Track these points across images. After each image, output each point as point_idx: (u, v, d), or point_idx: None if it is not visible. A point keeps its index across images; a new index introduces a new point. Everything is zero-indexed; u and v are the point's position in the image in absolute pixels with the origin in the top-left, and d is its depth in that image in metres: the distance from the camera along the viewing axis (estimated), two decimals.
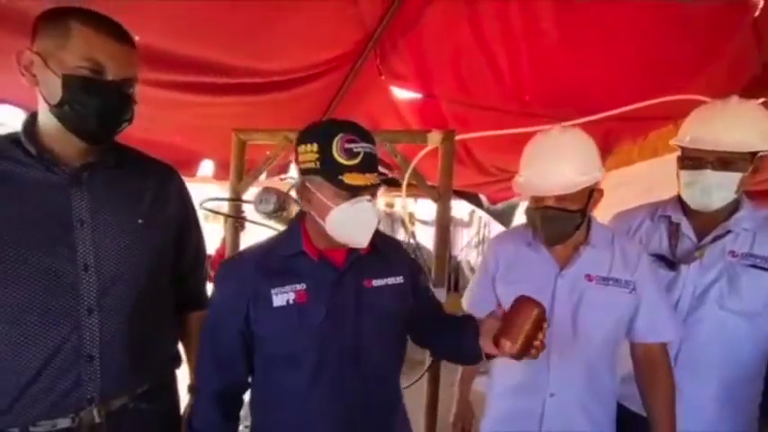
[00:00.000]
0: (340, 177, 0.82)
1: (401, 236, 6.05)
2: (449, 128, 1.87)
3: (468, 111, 2.23)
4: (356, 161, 0.84)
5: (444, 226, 1.43)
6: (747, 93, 1.91)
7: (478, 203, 3.59)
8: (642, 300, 1.08)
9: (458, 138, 1.53)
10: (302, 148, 0.87)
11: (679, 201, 1.26)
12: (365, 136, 0.86)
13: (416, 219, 5.45)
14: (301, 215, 0.98)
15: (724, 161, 1.11)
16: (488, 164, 3.07)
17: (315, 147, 0.84)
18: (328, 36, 1.67)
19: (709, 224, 1.19)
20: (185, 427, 1.00)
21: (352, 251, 0.94)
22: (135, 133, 1.17)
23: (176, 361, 1.09)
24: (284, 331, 0.89)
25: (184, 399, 1.11)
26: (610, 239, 1.13)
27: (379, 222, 0.91)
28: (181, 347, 1.11)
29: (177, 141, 2.16)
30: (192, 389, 1.10)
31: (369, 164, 0.85)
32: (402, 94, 2.33)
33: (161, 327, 1.02)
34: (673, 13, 1.43)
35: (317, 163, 0.84)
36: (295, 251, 0.93)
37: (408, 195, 1.47)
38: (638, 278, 1.08)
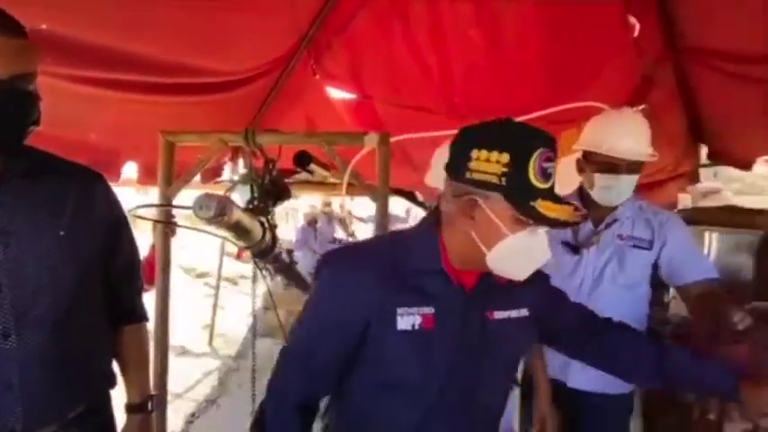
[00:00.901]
0: (532, 204, 0.68)
1: (340, 234, 6.09)
2: (383, 128, 1.93)
3: (401, 112, 2.32)
4: (549, 184, 0.71)
5: (383, 224, 1.50)
6: (632, 101, 2.24)
7: (415, 200, 3.73)
8: None
9: (393, 139, 1.60)
10: (482, 154, 0.70)
11: (579, 194, 1.46)
12: (556, 153, 0.72)
13: (354, 216, 5.52)
14: (436, 226, 0.81)
15: (633, 167, 1.32)
16: (423, 163, 3.19)
17: (506, 158, 0.68)
18: (263, 36, 1.64)
19: (602, 214, 1.41)
20: None
21: (484, 275, 0.80)
22: (47, 131, 1.07)
23: (111, 379, 1.03)
24: (406, 359, 0.77)
25: (120, 420, 1.05)
26: None
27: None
28: (115, 365, 1.06)
29: (93, 140, 1.98)
30: (141, 407, 1.04)
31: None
32: (338, 94, 2.36)
33: (93, 344, 0.96)
34: (567, 31, 1.64)
35: (504, 179, 0.69)
36: (431, 268, 0.79)
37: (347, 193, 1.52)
38: None
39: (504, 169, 0.69)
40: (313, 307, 0.83)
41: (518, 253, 0.73)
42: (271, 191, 1.36)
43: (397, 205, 5.55)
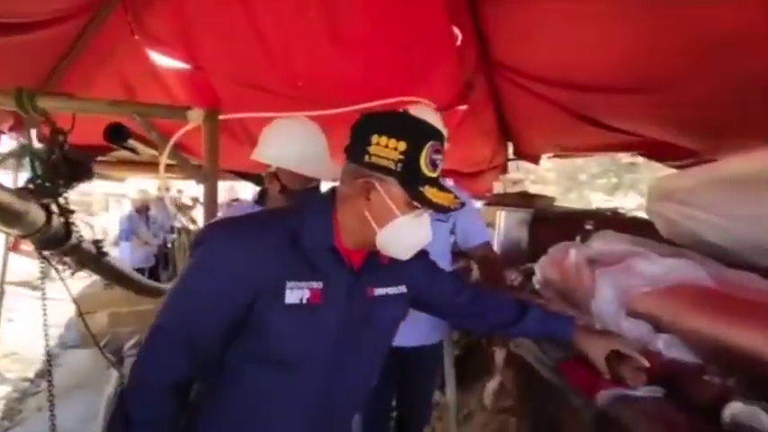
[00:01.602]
0: (421, 189, 0.74)
1: (179, 222, 5.46)
2: (221, 106, 1.80)
3: (241, 89, 2.19)
4: (436, 174, 0.77)
5: (212, 210, 1.40)
6: (456, 102, 2.58)
7: (262, 184, 3.58)
8: None
9: (226, 117, 1.50)
10: (382, 140, 0.74)
11: None
12: (444, 146, 0.79)
13: (200, 202, 5.00)
14: (331, 205, 0.83)
15: None
16: None
17: (403, 146, 0.73)
18: None
19: None
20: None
21: (372, 255, 0.85)
22: None
23: None
24: (291, 332, 0.78)
25: None
26: None
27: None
28: None
29: None
30: None
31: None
32: (165, 61, 2.08)
33: None
34: (400, 30, 1.78)
35: (400, 165, 0.73)
36: (323, 245, 0.81)
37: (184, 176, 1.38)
38: None
39: (401, 156, 0.74)
40: (194, 278, 0.80)
41: (406, 233, 0.79)
42: (62, 169, 1.12)
43: (248, 189, 5.22)
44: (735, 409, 0.77)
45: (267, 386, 0.82)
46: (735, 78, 1.53)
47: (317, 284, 0.80)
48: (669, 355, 1.03)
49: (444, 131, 1.52)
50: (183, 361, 0.79)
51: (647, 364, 0.91)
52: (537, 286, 1.63)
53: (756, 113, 1.68)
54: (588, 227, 1.82)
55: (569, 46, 1.76)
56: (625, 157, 6.71)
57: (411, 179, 0.75)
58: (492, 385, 1.97)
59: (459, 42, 2.02)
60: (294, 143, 1.31)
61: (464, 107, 2.75)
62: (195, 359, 0.79)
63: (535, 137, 3.41)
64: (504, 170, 4.20)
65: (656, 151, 2.51)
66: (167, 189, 4.61)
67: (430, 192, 0.75)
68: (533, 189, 4.98)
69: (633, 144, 2.56)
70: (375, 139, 0.75)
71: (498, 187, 4.56)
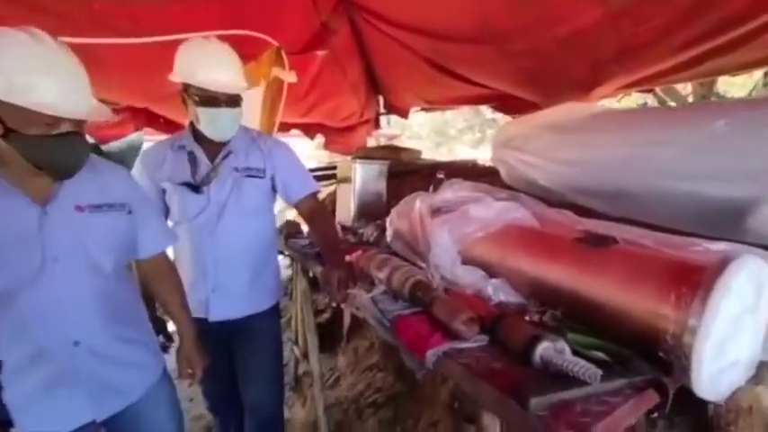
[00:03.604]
0: None
1: None
2: None
3: (25, 13, 1.59)
4: None
5: None
6: (313, 44, 2.32)
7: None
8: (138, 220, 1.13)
9: None
10: None
11: (192, 131, 1.41)
12: None
13: None
14: None
15: (233, 100, 1.31)
16: None
17: None
18: None
19: (216, 148, 1.40)
20: None
21: None
22: None
23: None
24: None
25: None
26: None
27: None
28: None
29: None
30: None
31: None
32: None
33: None
34: None
35: None
36: None
37: None
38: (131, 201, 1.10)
39: None
40: None
41: None
42: None
43: None
44: (543, 349, 0.75)
45: None
46: (560, 35, 1.62)
47: None
48: (497, 300, 1.02)
49: (236, 66, 1.31)
50: None
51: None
52: (388, 239, 1.55)
53: (577, 67, 1.83)
54: (440, 176, 1.79)
55: None
56: (488, 113, 7.26)
57: None
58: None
59: None
60: None
61: (324, 52, 2.50)
62: None
63: (402, 89, 3.35)
64: (377, 125, 4.12)
65: (505, 104, 2.66)
66: None
67: None
68: (409, 144, 5.05)
69: (487, 97, 2.68)
70: None
71: (372, 143, 4.49)
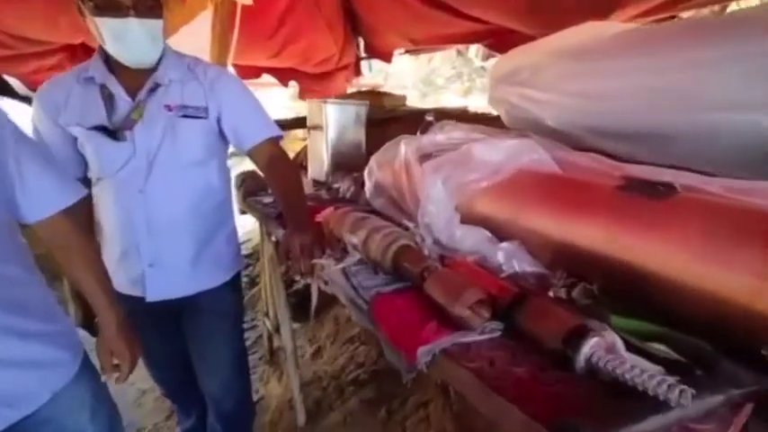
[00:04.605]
0: None
1: None
2: None
3: None
4: None
5: None
6: None
7: (10, 92, 2.46)
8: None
9: None
10: None
11: (103, 57, 1.07)
12: None
13: None
14: None
15: (146, 5, 0.97)
16: None
17: None
18: None
19: (138, 79, 1.07)
20: None
21: None
22: None
23: None
24: None
25: None
26: None
27: None
28: None
29: None
30: None
31: None
32: None
33: None
34: None
35: None
36: None
37: None
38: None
39: None
40: None
41: None
42: None
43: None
44: (592, 348, 0.51)
45: None
46: None
47: None
48: (510, 270, 0.76)
49: None
50: None
51: None
52: (367, 194, 1.27)
53: None
54: (429, 118, 1.49)
55: None
56: (477, 61, 6.81)
57: None
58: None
59: None
60: None
61: None
62: None
63: (384, 28, 2.97)
64: (357, 71, 3.73)
65: (501, 41, 2.34)
66: None
67: None
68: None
69: (479, 34, 2.36)
70: None
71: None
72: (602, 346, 0.52)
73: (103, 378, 0.98)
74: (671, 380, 0.44)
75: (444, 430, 1.23)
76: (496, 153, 0.86)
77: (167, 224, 1.10)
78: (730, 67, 0.87)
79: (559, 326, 0.55)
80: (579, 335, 0.52)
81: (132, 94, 1.06)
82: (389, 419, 1.42)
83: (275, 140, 1.19)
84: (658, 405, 0.44)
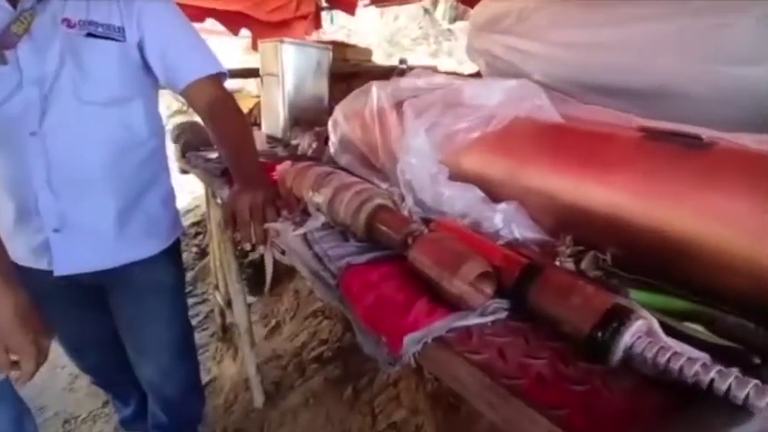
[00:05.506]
0: None
1: None
2: None
3: None
4: None
5: None
6: None
7: None
8: None
9: None
10: None
11: None
12: None
13: None
14: None
15: None
16: None
17: None
18: None
19: None
20: None
21: None
22: None
23: None
24: None
25: None
26: None
27: None
28: None
29: None
30: None
31: None
32: None
33: None
34: None
35: None
36: None
37: None
38: None
39: None
40: None
41: None
42: None
43: None
44: (633, 336, 0.39)
45: None
46: None
47: None
48: (508, 236, 0.63)
49: None
50: None
51: None
52: (332, 151, 1.09)
53: None
54: (402, 66, 1.30)
55: None
56: (444, 23, 6.57)
57: None
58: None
59: None
60: None
61: None
62: None
63: None
64: (317, 23, 3.42)
65: None
66: None
67: None
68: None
69: None
70: None
71: None
72: (644, 332, 0.41)
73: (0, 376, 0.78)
74: (752, 381, 0.33)
75: (417, 410, 1.14)
76: (492, 95, 0.72)
77: (76, 178, 0.88)
78: (744, 15, 0.77)
79: (588, 306, 0.42)
80: (618, 318, 0.40)
81: (14, 0, 0.80)
82: (356, 399, 1.31)
83: (218, 79, 0.97)
84: (733, 411, 0.33)
